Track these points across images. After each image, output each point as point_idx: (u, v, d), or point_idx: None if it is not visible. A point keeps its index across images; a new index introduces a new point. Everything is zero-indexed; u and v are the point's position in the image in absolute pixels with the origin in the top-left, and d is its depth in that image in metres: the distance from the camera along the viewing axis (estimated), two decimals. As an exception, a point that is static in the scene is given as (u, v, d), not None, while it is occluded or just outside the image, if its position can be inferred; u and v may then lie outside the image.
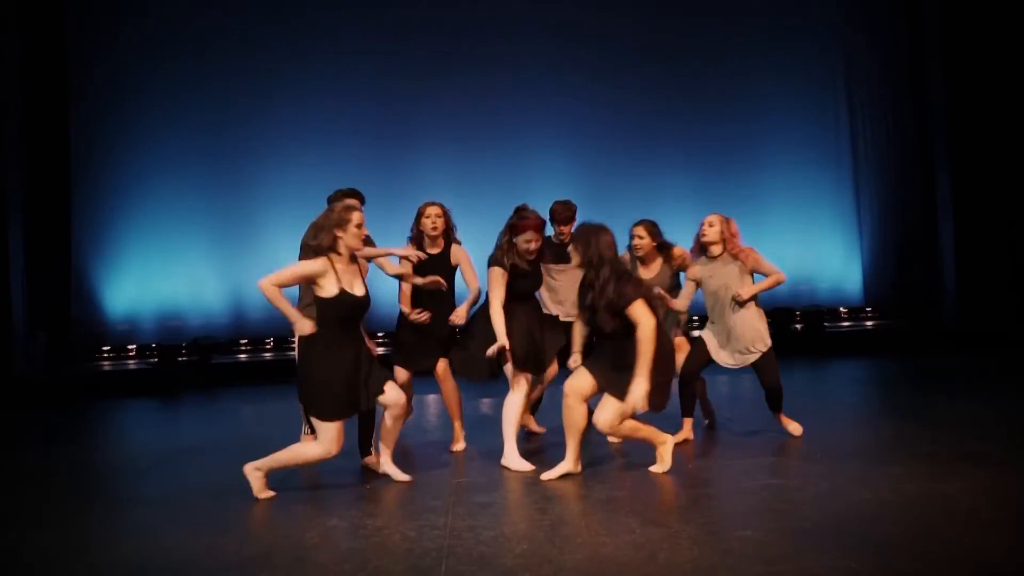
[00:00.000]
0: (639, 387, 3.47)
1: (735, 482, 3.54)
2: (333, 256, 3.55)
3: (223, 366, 8.32)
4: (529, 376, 4.10)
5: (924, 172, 9.31)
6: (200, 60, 8.87)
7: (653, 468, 3.75)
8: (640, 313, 3.53)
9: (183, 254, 8.80)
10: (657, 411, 3.61)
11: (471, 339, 4.10)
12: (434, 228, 4.31)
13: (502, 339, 3.90)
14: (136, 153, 8.84)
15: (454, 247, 4.40)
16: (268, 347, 8.89)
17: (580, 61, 9.29)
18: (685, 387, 4.41)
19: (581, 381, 3.71)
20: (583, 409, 3.73)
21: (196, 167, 8.91)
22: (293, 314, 3.53)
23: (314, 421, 3.55)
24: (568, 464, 3.76)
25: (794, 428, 4.39)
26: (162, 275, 8.75)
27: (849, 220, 9.87)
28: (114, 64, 8.71)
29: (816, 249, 9.73)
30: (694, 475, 3.69)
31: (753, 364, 4.36)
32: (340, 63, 9.10)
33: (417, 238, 4.38)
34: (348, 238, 3.55)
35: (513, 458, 3.92)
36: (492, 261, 4.03)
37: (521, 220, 4.02)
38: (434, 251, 4.33)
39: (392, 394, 3.63)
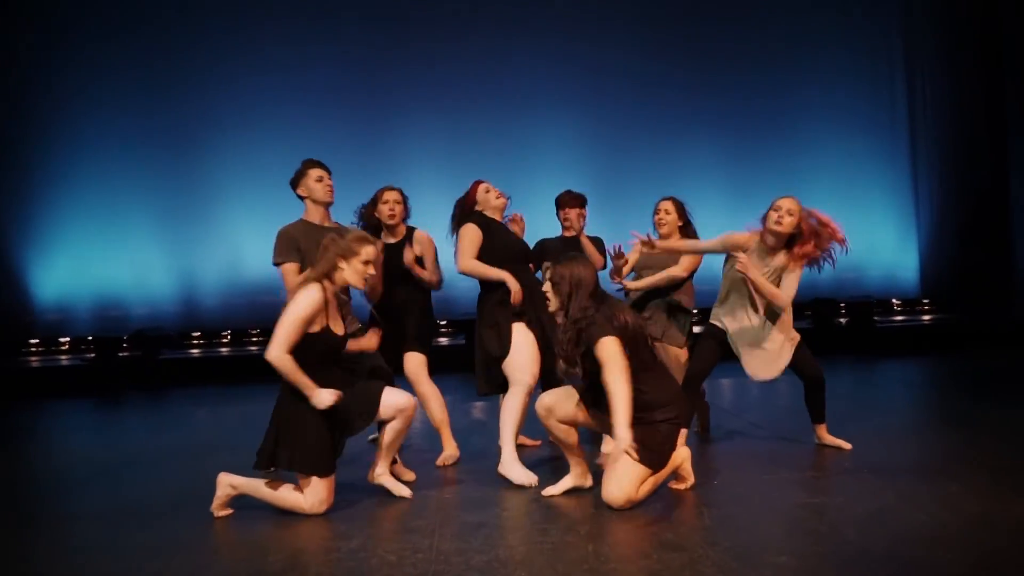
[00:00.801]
0: (621, 435, 3.28)
1: (767, 500, 3.56)
2: (326, 284, 3.54)
3: (172, 362, 8.34)
4: (536, 372, 4.10)
5: (994, 144, 9.31)
6: (147, 15, 8.87)
7: (673, 484, 3.77)
8: (607, 353, 3.36)
9: (125, 233, 8.81)
10: (654, 471, 3.49)
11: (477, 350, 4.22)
12: (391, 215, 4.42)
13: (510, 282, 4.09)
14: (71, 120, 8.85)
15: (416, 233, 4.49)
16: (224, 341, 8.90)
17: (590, 18, 9.30)
18: (688, 392, 4.38)
19: (564, 407, 3.66)
20: (565, 426, 3.72)
21: (142, 135, 8.92)
22: (311, 387, 3.48)
23: (301, 477, 3.55)
24: (574, 477, 3.78)
25: (842, 444, 4.39)
26: (100, 257, 8.77)
27: (904, 198, 9.89)
28: (44, 23, 8.70)
29: (866, 232, 9.76)
30: (719, 491, 3.70)
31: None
32: (310, 22, 9.11)
33: (373, 226, 4.45)
34: (349, 273, 3.55)
35: (513, 466, 3.94)
36: (458, 222, 4.27)
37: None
38: (391, 240, 4.45)
39: (396, 398, 3.63)
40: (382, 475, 3.78)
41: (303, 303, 3.46)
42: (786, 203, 4.28)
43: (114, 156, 8.90)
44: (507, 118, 9.08)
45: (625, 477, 3.43)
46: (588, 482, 3.80)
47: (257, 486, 3.60)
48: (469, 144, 9.28)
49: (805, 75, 9.61)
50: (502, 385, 4.18)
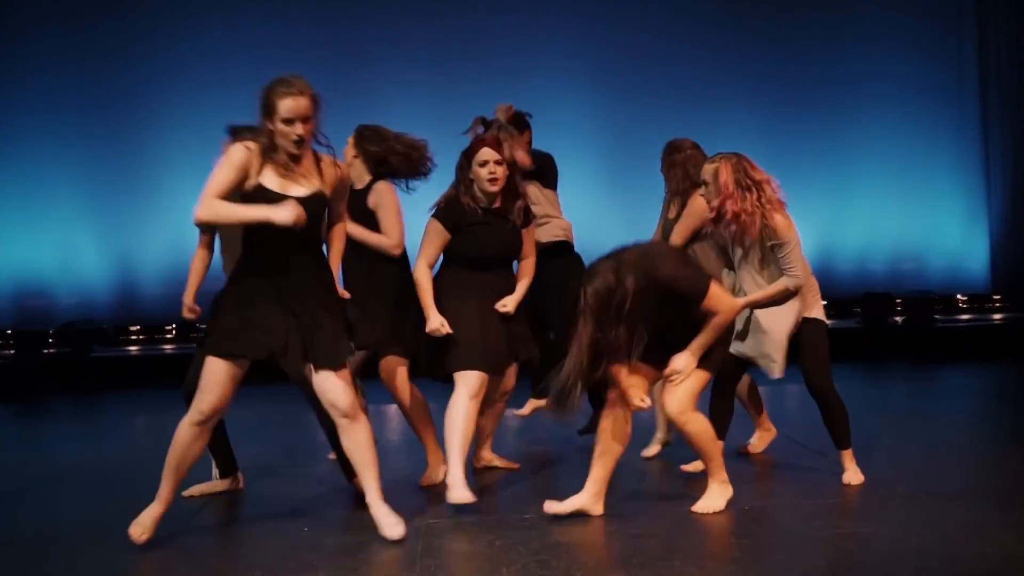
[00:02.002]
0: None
1: (806, 528, 3.57)
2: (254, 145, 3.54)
3: (106, 361, 8.33)
4: (483, 375, 4.08)
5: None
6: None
7: (697, 507, 3.79)
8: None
9: (50, 209, 8.78)
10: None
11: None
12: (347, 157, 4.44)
13: (431, 319, 4.08)
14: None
15: (378, 185, 4.37)
16: (168, 337, 8.89)
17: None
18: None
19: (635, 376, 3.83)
20: (627, 427, 3.82)
21: (71, 95, 8.90)
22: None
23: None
24: (585, 499, 3.79)
25: (851, 476, 4.20)
26: (20, 237, 8.73)
27: (973, 177, 9.87)
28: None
29: (927, 215, 9.76)
30: (752, 518, 3.72)
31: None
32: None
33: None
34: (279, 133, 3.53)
35: (456, 486, 3.88)
36: (434, 211, 4.25)
37: (475, 140, 4.22)
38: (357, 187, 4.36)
39: (336, 394, 3.58)
40: (373, 503, 3.64)
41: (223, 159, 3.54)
42: (706, 172, 4.13)
43: (38, 120, 8.86)
44: (504, 73, 9.03)
45: (685, 389, 3.77)
46: (598, 509, 3.82)
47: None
48: (458, 102, 9.20)
49: (858, 30, 9.58)
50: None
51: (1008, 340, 8.54)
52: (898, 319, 9.01)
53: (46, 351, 8.16)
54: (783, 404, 6.65)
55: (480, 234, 4.14)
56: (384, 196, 4.31)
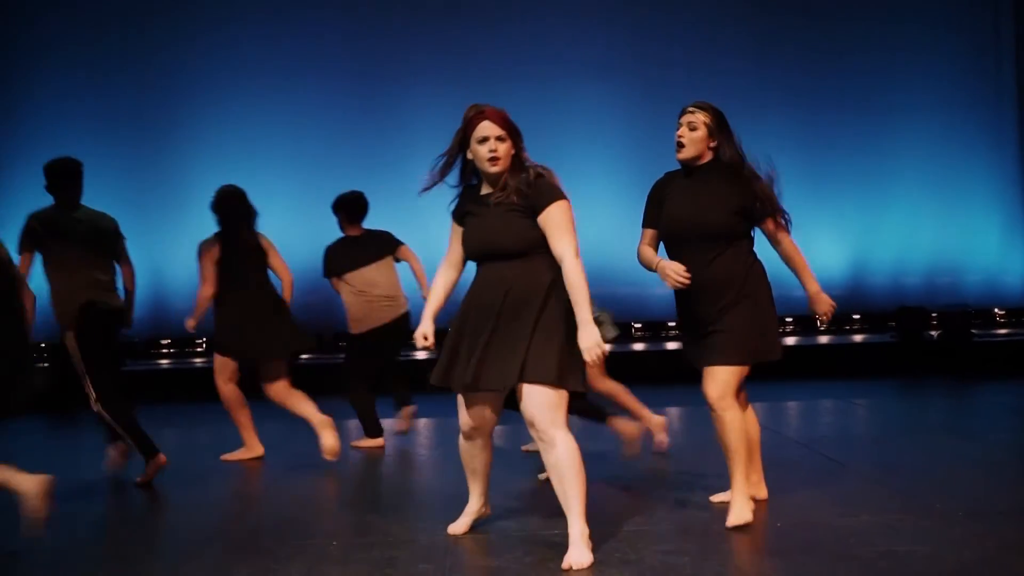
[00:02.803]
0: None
1: (842, 547, 3.53)
2: None
3: (138, 375, 8.42)
4: (476, 404, 3.61)
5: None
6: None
7: (730, 520, 3.76)
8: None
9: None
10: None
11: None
12: None
13: (424, 323, 3.64)
14: (23, 97, 8.97)
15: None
16: (199, 351, 8.98)
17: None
18: None
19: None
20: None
21: (102, 110, 9.07)
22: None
23: None
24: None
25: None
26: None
27: (1011, 190, 9.78)
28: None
29: (963, 227, 9.66)
30: (785, 537, 3.68)
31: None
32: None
33: None
34: None
35: (460, 518, 3.89)
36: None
37: (473, 113, 3.56)
38: None
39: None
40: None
41: None
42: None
43: (68, 132, 9.02)
44: (531, 87, 9.08)
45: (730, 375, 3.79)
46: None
47: None
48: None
49: (893, 38, 9.54)
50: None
51: (1049, 355, 8.41)
52: (934, 334, 8.91)
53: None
54: (818, 423, 6.60)
55: (471, 225, 3.60)
56: None
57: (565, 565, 3.33)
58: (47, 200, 5.00)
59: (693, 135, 3.94)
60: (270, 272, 5.60)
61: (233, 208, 5.52)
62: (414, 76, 9.44)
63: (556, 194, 3.47)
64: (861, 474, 4.69)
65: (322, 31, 9.47)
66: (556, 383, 3.38)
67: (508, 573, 3.37)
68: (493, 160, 3.46)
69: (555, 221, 3.43)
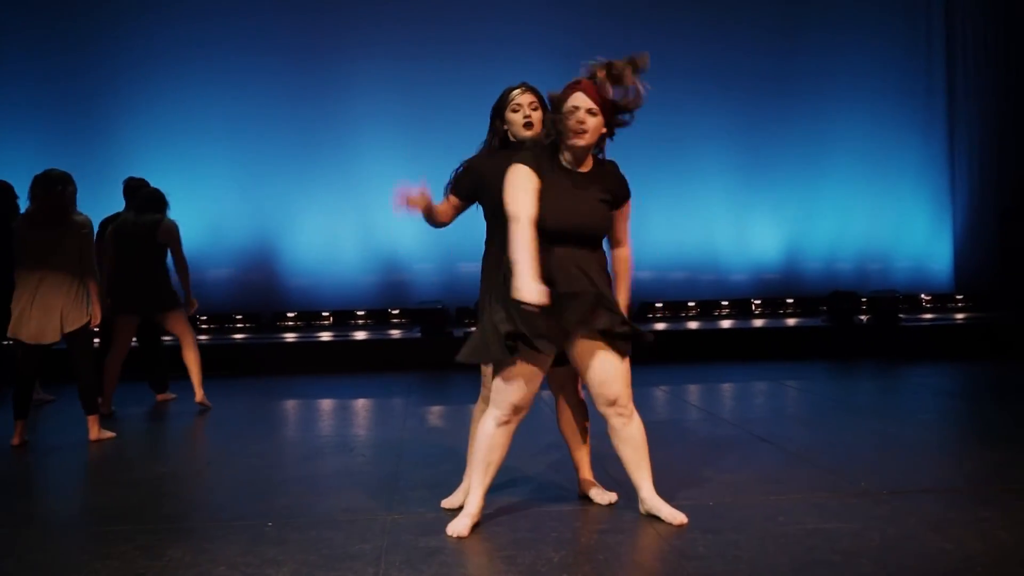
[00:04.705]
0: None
1: (772, 525, 3.59)
2: None
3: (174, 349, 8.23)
4: (535, 370, 3.54)
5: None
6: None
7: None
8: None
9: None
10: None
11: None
12: None
13: (530, 290, 3.21)
14: None
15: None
16: (237, 326, 8.82)
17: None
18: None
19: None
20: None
21: (46, 94, 8.87)
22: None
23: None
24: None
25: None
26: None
27: (939, 177, 10.00)
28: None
29: (892, 214, 9.87)
30: (717, 514, 3.73)
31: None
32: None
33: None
34: None
35: (457, 518, 3.62)
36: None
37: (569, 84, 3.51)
38: None
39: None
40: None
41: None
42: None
43: (10, 110, 8.85)
44: (473, 67, 9.03)
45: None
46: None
47: None
48: (425, 100, 9.22)
49: (829, 31, 9.67)
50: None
51: (970, 339, 8.65)
52: (864, 318, 9.09)
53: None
54: (750, 404, 6.70)
55: (555, 198, 3.45)
56: None
57: (677, 522, 3.57)
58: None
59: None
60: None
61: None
62: (357, 50, 9.33)
63: (629, 191, 3.64)
64: (791, 453, 4.77)
65: (263, 6, 9.30)
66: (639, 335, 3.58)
67: (445, 554, 3.37)
68: (580, 133, 3.44)
69: (626, 215, 3.64)
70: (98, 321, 5.43)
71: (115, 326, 6.37)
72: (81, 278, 5.32)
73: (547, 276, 3.36)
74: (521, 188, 3.41)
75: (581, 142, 3.46)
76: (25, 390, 5.38)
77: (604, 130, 3.51)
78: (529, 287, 3.20)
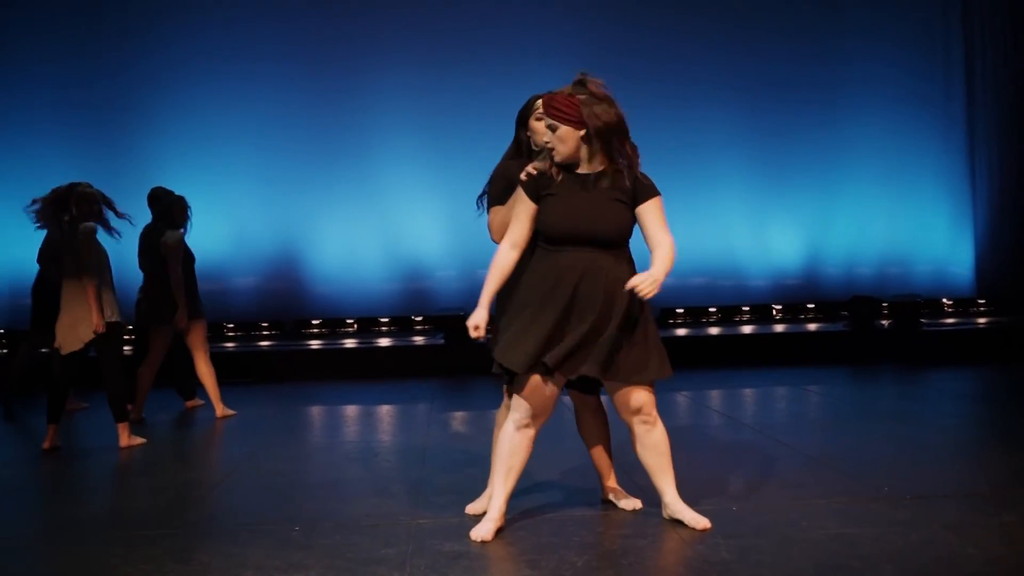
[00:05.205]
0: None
1: (793, 529, 3.58)
2: None
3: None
4: (549, 388, 3.52)
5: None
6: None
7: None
8: None
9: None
10: None
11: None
12: None
13: (477, 312, 3.47)
14: None
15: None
16: (264, 333, 8.98)
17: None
18: None
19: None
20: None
21: (72, 96, 8.94)
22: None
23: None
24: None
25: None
26: (17, 238, 8.70)
27: (959, 181, 9.92)
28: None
29: (913, 218, 9.80)
30: (739, 519, 3.72)
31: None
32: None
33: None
34: None
35: (481, 523, 3.61)
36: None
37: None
38: None
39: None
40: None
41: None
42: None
43: (39, 121, 8.93)
44: (494, 76, 9.07)
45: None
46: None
47: None
48: (447, 109, 9.26)
49: (847, 36, 9.63)
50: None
51: (992, 344, 8.57)
52: (884, 322, 9.03)
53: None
54: (772, 410, 6.67)
55: (563, 204, 3.53)
56: None
57: (700, 527, 3.56)
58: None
59: None
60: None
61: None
62: (379, 59, 9.38)
63: (655, 189, 3.57)
64: (812, 458, 4.75)
65: (286, 16, 9.37)
66: (662, 374, 3.59)
67: (469, 557, 3.38)
68: (551, 149, 3.52)
69: (655, 212, 3.54)
70: (101, 329, 5.34)
71: (150, 336, 6.43)
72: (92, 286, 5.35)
73: (564, 283, 3.44)
74: (514, 215, 3.56)
75: (558, 157, 3.51)
76: (59, 396, 5.44)
77: (580, 132, 3.46)
78: (474, 316, 3.46)
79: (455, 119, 9.16)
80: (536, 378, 3.48)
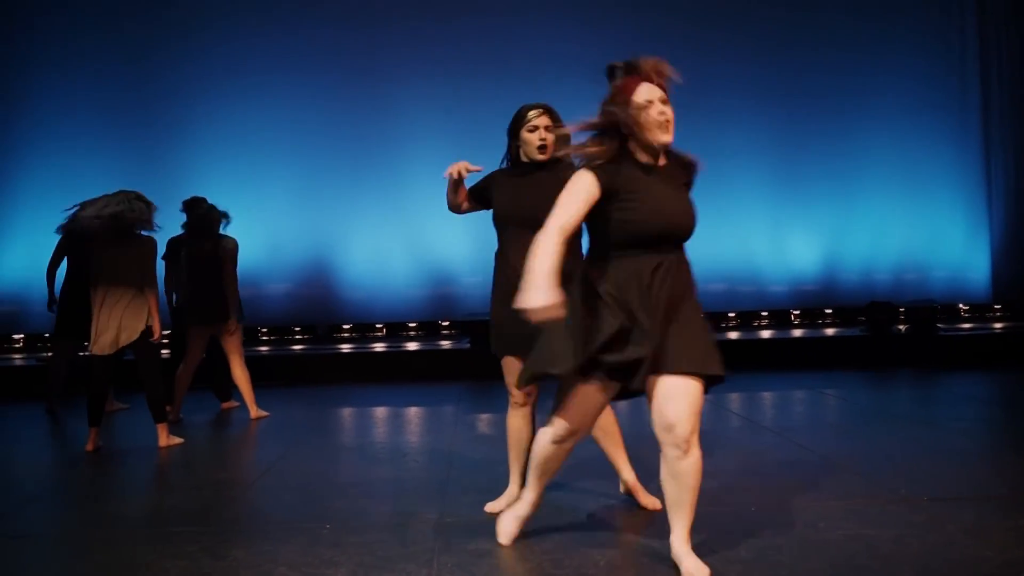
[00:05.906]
0: None
1: (812, 530, 3.55)
2: None
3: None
4: (601, 396, 3.09)
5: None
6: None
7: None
8: None
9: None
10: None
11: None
12: None
13: (540, 299, 2.79)
14: (29, 94, 8.94)
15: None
16: (297, 337, 9.00)
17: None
18: None
19: None
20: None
21: (110, 106, 9.07)
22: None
23: None
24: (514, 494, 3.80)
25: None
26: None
27: (975, 189, 9.83)
28: None
29: (929, 225, 9.70)
30: (759, 520, 3.70)
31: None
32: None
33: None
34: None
35: (505, 520, 3.52)
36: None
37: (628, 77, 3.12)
38: None
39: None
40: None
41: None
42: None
43: (78, 131, 8.99)
44: (519, 85, 9.07)
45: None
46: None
47: None
48: (474, 118, 9.27)
49: (863, 47, 9.56)
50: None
51: (1009, 348, 8.48)
52: (901, 328, 8.95)
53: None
54: (790, 412, 6.63)
55: (638, 198, 3.04)
56: None
57: None
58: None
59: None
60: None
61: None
62: (408, 69, 9.44)
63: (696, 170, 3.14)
64: (831, 461, 4.71)
65: (316, 28, 9.45)
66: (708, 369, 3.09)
67: (494, 556, 3.38)
68: (664, 125, 3.02)
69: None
70: (157, 336, 5.48)
71: (188, 337, 6.50)
72: (141, 292, 5.42)
73: (628, 291, 2.99)
74: (572, 198, 2.94)
75: (668, 137, 3.01)
76: (98, 399, 5.50)
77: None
78: (539, 296, 2.77)
79: (482, 129, 9.16)
80: (581, 393, 3.08)
